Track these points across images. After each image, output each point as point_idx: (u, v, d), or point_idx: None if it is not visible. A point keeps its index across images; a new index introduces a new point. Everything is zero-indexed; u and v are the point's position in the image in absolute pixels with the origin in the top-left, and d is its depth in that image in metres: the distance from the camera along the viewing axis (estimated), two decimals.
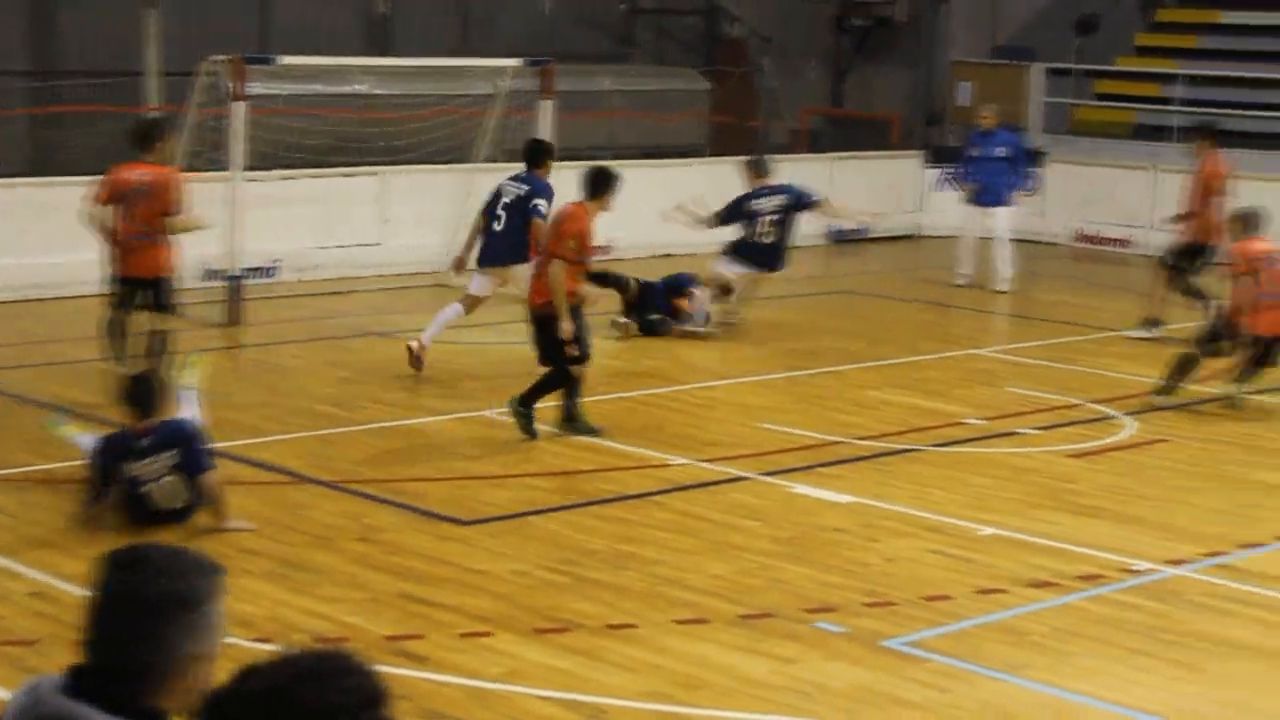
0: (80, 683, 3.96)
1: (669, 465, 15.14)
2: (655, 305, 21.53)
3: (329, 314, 21.90)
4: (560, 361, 15.66)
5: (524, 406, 15.63)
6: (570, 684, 10.12)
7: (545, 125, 23.32)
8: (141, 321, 17.13)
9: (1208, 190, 22.33)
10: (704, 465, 15.09)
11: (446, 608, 11.34)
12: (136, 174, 16.77)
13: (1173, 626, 11.57)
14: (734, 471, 14.78)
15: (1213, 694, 10.48)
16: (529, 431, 15.62)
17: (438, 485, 14.29)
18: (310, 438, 15.58)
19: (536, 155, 19.31)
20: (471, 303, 18.94)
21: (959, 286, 25.28)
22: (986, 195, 24.77)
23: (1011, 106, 31.63)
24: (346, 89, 27.38)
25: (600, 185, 16.65)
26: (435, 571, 12.03)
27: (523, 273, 18.19)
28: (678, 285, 21.77)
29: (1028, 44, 34.98)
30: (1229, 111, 30.18)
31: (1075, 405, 17.74)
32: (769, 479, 14.70)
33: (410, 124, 26.16)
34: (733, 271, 21.45)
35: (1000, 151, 24.89)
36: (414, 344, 18.22)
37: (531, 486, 14.37)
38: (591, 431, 15.84)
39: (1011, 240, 25.27)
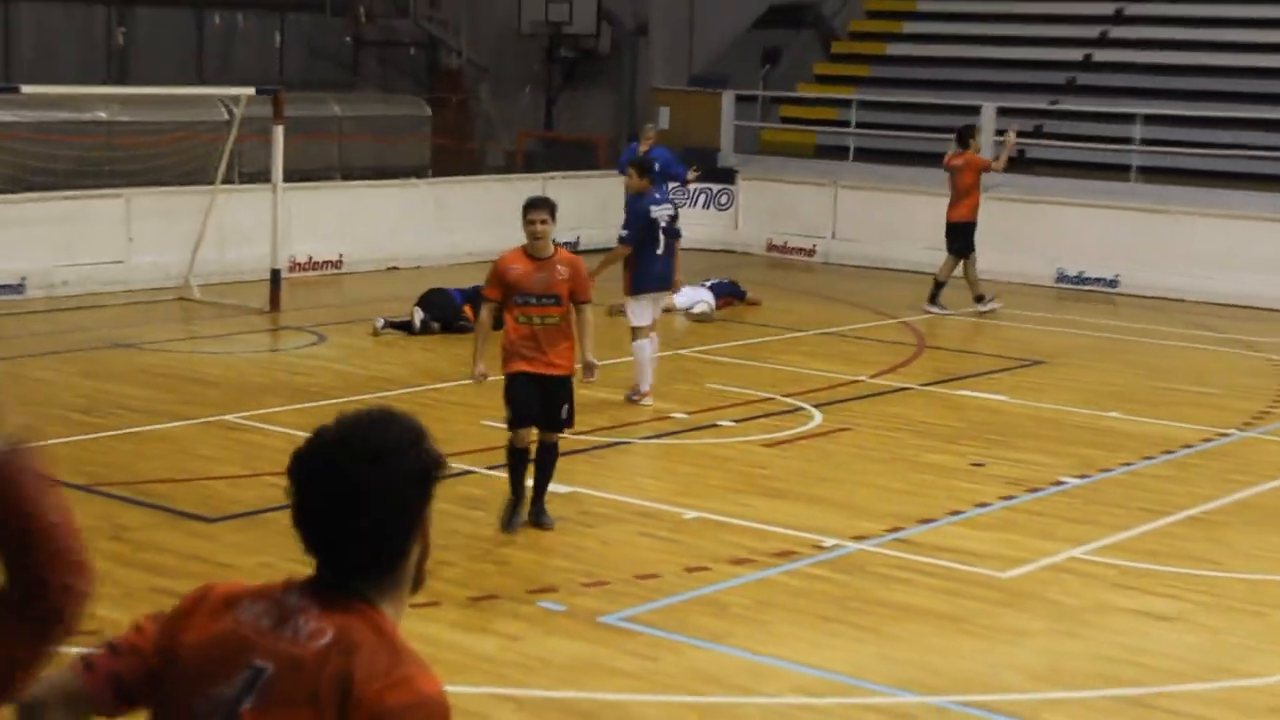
0: None
1: None
2: (451, 310, 21.65)
3: (76, 328, 21.40)
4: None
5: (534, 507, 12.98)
6: None
7: (278, 149, 23.12)
8: None
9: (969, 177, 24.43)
10: None
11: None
12: None
13: (857, 595, 11.81)
14: (461, 466, 14.72)
15: (892, 654, 10.71)
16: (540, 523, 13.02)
17: (184, 486, 14.09)
18: (62, 444, 15.25)
19: (651, 169, 18.82)
20: (649, 330, 17.93)
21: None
22: None
23: (706, 129, 32.02)
24: (88, 116, 26.86)
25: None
26: (185, 567, 11.86)
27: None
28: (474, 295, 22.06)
29: (720, 73, 35.34)
30: (897, 134, 30.88)
31: (768, 399, 17.97)
32: (492, 472, 14.69)
33: (152, 149, 25.78)
34: None
35: (657, 167, 24.84)
36: (637, 396, 17.55)
37: (271, 484, 14.16)
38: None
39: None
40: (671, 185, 24.45)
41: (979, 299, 24.75)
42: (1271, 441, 17.01)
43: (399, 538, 3.92)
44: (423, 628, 10.85)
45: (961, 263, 24.56)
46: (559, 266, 12.74)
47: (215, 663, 3.99)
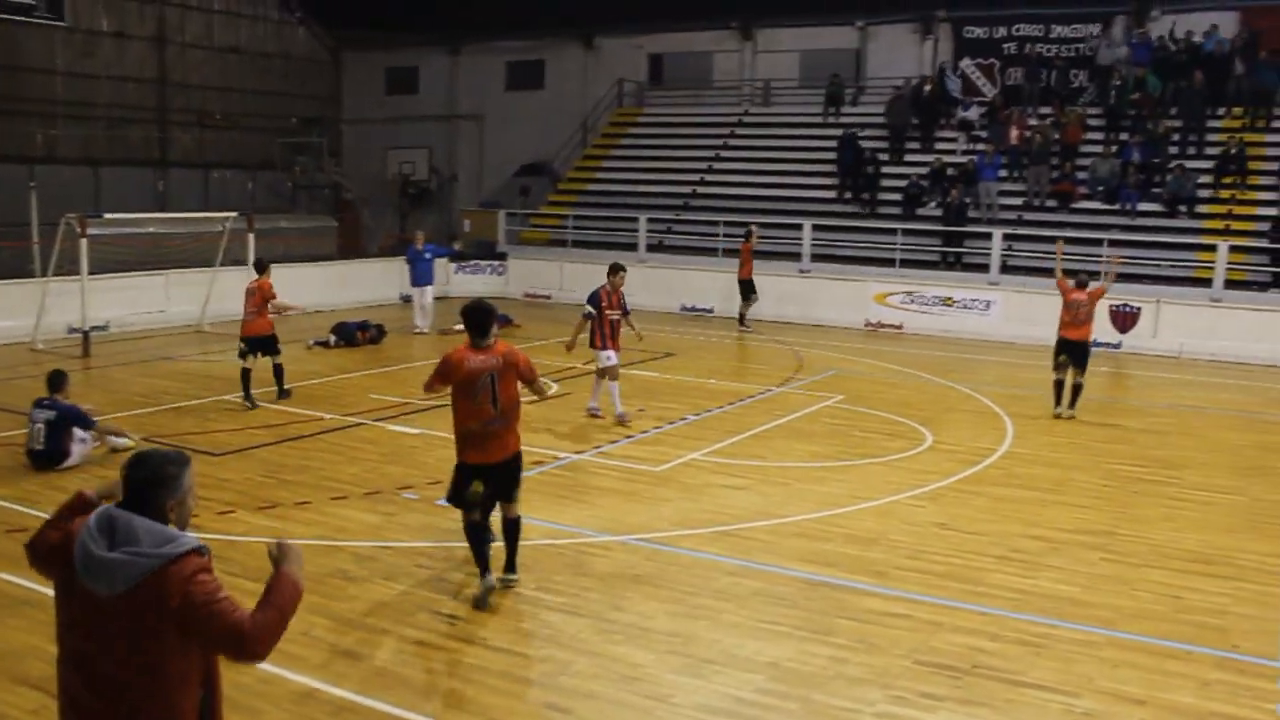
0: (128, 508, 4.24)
1: (323, 419, 14.78)
2: (350, 334, 21.43)
3: (138, 349, 20.51)
4: None
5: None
6: (275, 533, 9.85)
7: (250, 246, 22.53)
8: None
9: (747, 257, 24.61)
10: (344, 418, 14.75)
11: (202, 500, 10.87)
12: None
13: (578, 484, 11.86)
14: (355, 419, 14.51)
15: (597, 514, 10.80)
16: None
17: (201, 436, 13.62)
18: (128, 416, 14.65)
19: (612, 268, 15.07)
20: (616, 371, 15.00)
21: (415, 333, 23.13)
22: (422, 279, 23.34)
23: (490, 231, 31.81)
24: (144, 230, 25.81)
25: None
26: (202, 481, 11.50)
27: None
28: (361, 325, 21.81)
29: (497, 200, 35.20)
30: (593, 232, 30.94)
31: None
32: (378, 424, 14.50)
33: (179, 248, 24.99)
34: None
35: (428, 255, 23.60)
36: (622, 417, 14.65)
37: (250, 434, 13.83)
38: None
39: (434, 301, 23.66)
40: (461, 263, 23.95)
41: (743, 322, 24.78)
42: (792, 393, 17.40)
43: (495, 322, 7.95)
44: (338, 509, 10.68)
45: (746, 301, 24.69)
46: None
47: (476, 375, 7.85)
